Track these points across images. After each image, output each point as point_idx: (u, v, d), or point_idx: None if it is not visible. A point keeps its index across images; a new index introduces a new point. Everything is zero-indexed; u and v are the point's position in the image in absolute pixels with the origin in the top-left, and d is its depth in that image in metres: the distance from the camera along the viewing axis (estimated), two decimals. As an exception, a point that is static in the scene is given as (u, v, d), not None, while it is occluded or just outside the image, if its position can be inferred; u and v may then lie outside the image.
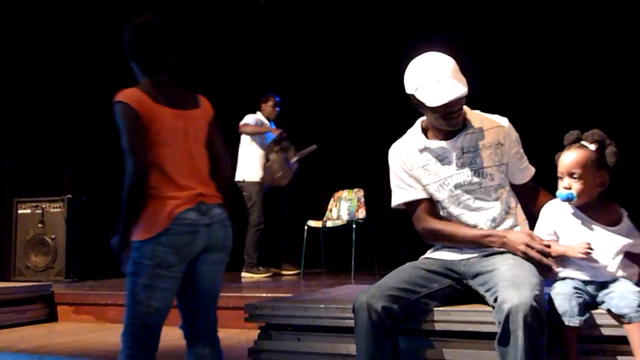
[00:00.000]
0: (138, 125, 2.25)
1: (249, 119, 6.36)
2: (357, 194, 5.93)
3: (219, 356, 2.45)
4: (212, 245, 2.36)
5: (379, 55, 7.14)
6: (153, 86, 2.38)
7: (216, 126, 2.52)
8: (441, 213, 2.54)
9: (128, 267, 2.27)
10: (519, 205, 2.55)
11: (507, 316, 1.99)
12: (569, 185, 2.25)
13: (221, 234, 2.38)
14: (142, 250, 2.24)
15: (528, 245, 2.28)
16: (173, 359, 3.06)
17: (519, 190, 2.58)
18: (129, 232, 2.25)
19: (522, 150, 2.57)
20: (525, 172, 2.58)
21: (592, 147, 2.26)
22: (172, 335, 3.68)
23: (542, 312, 2.01)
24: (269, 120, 6.48)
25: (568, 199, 2.25)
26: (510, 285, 2.08)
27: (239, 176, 6.19)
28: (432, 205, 2.53)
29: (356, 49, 7.33)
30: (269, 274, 6.25)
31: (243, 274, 6.16)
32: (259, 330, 2.78)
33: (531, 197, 2.63)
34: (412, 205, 2.55)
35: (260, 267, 6.23)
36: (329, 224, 5.92)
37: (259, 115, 6.45)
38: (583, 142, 2.28)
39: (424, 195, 2.53)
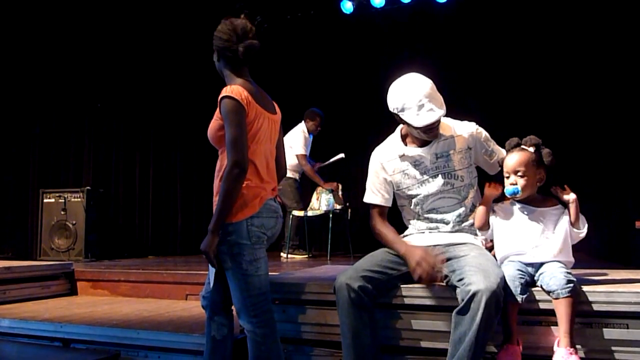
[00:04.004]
0: (244, 121, 2.18)
1: (303, 142, 5.79)
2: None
3: (233, 324, 2.45)
4: (275, 233, 2.38)
5: (360, 70, 7.17)
6: (252, 87, 2.28)
7: (282, 131, 2.50)
8: (415, 209, 2.51)
9: (227, 251, 2.19)
10: None
11: (473, 296, 2.00)
12: (515, 182, 2.26)
13: (280, 224, 2.41)
14: (238, 232, 2.19)
15: (420, 263, 2.26)
16: (180, 326, 3.04)
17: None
18: (224, 217, 2.16)
19: (491, 148, 2.49)
20: (495, 165, 2.49)
21: (531, 149, 2.29)
22: (175, 308, 3.68)
23: (501, 298, 2.03)
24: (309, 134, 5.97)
25: (514, 193, 2.26)
26: (478, 271, 2.08)
27: None
28: (386, 210, 2.56)
29: (341, 63, 7.33)
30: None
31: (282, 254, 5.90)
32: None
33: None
34: (374, 206, 2.56)
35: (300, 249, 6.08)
36: (310, 213, 5.87)
37: (306, 134, 5.88)
38: (523, 146, 2.31)
39: (384, 203, 2.55)
